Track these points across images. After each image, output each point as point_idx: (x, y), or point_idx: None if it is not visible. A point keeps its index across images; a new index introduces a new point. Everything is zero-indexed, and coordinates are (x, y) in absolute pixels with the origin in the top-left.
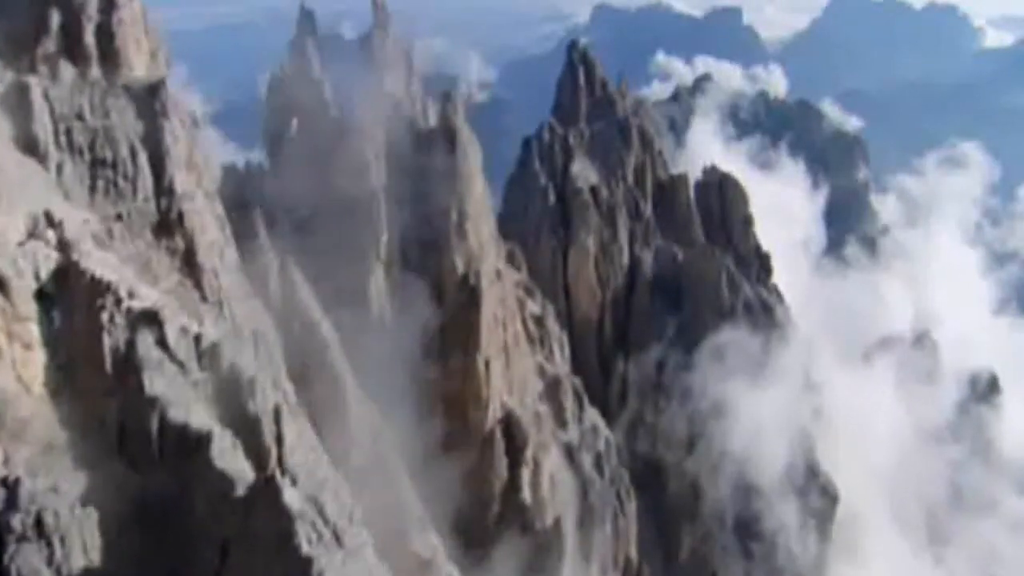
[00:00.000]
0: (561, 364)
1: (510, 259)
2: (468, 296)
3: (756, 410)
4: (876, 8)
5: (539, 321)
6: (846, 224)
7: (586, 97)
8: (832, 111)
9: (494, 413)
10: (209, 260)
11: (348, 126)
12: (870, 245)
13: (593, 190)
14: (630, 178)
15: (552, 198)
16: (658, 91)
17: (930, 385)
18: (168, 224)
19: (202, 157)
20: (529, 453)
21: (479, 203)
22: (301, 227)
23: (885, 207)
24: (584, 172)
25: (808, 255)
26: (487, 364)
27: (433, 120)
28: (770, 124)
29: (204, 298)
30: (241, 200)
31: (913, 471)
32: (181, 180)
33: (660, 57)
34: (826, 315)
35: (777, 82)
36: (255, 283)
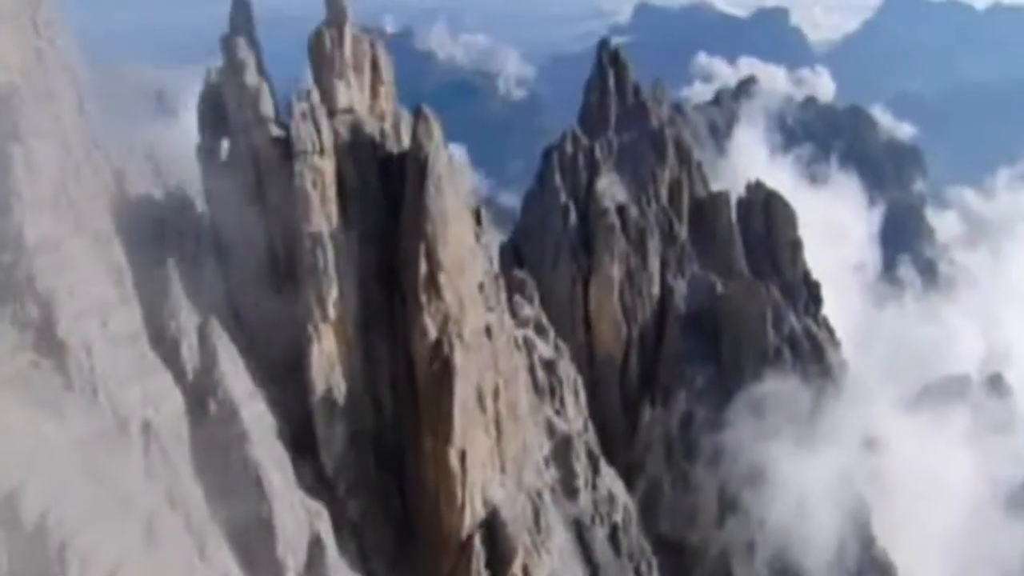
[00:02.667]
0: (574, 417)
1: (520, 289)
2: (440, 371)
3: (802, 475)
4: (934, 9)
5: (550, 367)
6: (901, 244)
7: (616, 103)
8: (883, 118)
9: (473, 515)
10: (78, 332)
11: (290, 149)
12: (928, 268)
13: (620, 210)
14: (663, 196)
15: (573, 218)
16: (700, 92)
17: (1003, 436)
18: (14, 286)
19: (98, 188)
20: (518, 564)
21: (458, 249)
22: (229, 278)
23: (944, 225)
24: (611, 188)
25: (861, 280)
26: (463, 457)
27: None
28: (820, 131)
29: (69, 384)
30: (161, 242)
31: (983, 538)
32: (41, 225)
33: (702, 57)
34: (882, 351)
35: (824, 86)
36: (166, 351)
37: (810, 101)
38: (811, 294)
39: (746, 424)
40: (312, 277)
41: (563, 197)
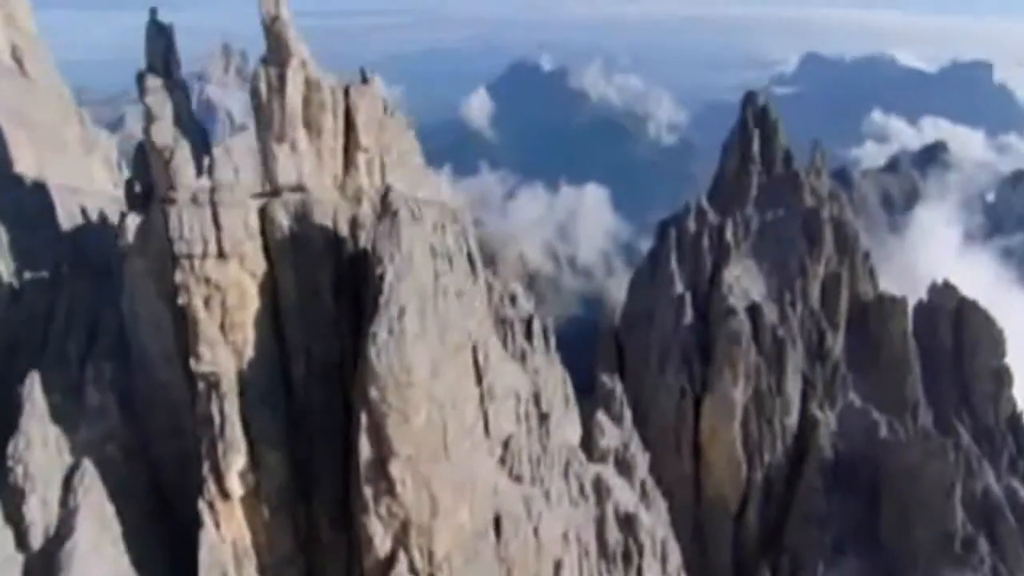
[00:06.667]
0: None
1: (607, 405)
2: None
3: None
4: None
5: (629, 523)
6: None
7: (760, 171)
8: None
9: None
10: None
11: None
12: None
13: (753, 310)
14: (814, 296)
15: (689, 314)
16: (872, 154)
17: None
18: None
19: None
20: None
21: (437, 419)
22: (133, 402)
23: None
24: (743, 281)
25: None
26: None
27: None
28: None
29: None
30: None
31: None
32: None
33: (877, 115)
34: None
35: None
36: (7, 506)
37: (1019, 175)
38: (1019, 446)
39: None
40: (206, 436)
41: (679, 286)
